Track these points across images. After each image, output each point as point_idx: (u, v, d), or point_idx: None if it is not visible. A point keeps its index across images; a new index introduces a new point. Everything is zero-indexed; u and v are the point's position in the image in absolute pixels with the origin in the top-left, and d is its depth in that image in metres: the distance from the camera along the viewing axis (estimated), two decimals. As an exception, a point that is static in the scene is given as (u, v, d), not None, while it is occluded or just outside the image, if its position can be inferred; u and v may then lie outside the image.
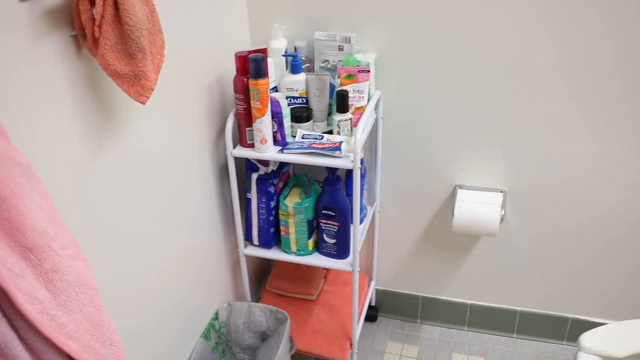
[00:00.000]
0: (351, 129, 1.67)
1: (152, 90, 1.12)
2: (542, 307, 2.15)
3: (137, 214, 1.37)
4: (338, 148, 1.59)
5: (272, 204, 1.79)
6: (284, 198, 1.77)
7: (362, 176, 1.85)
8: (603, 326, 1.62)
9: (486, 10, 1.67)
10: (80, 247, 0.92)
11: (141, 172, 1.36)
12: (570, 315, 2.13)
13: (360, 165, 1.60)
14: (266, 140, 1.64)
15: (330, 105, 1.72)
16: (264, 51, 1.61)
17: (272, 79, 1.70)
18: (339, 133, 1.67)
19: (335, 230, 1.76)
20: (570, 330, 2.15)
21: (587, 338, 1.58)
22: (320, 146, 1.61)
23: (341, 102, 1.64)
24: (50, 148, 1.06)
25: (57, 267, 0.85)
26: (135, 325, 1.40)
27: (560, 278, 2.07)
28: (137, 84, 1.10)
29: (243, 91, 1.60)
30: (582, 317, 2.12)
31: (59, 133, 1.08)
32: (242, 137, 1.68)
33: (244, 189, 1.82)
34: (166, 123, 1.45)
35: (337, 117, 1.65)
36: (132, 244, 1.36)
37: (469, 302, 2.22)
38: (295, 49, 1.78)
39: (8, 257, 0.78)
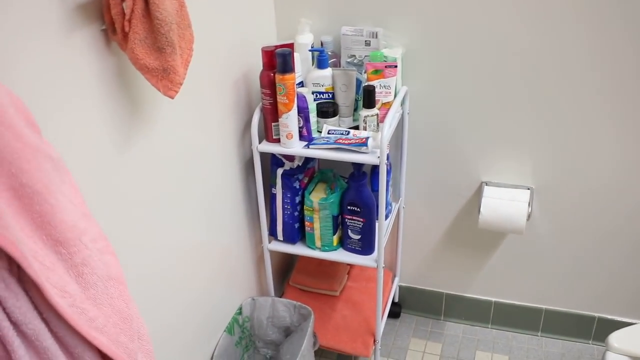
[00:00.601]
0: (377, 125, 1.66)
1: (181, 84, 1.12)
2: (567, 306, 2.13)
3: (163, 208, 1.37)
4: (364, 144, 1.58)
5: (297, 199, 1.78)
6: (309, 193, 1.77)
7: (388, 172, 1.84)
8: (632, 326, 1.59)
9: (515, 4, 1.64)
10: (109, 241, 0.92)
11: (168, 166, 1.37)
12: (596, 314, 2.10)
13: (386, 161, 1.59)
14: (292, 136, 1.63)
15: (356, 100, 1.71)
16: (290, 46, 1.60)
17: (299, 74, 1.69)
18: (365, 129, 1.66)
19: (360, 226, 1.75)
20: (596, 329, 2.12)
21: (616, 338, 1.55)
22: (346, 142, 1.60)
23: (368, 97, 1.63)
24: (80, 142, 1.07)
25: (87, 261, 0.85)
26: (160, 319, 1.41)
27: (586, 276, 2.04)
28: (165, 78, 1.10)
29: (269, 86, 1.59)
30: (609, 316, 2.09)
31: (88, 127, 1.08)
32: (268, 132, 1.68)
33: (269, 184, 1.81)
34: (193, 117, 1.46)
35: (364, 112, 1.64)
36: (157, 238, 1.36)
37: (493, 299, 2.20)
38: (322, 44, 1.77)
39: (40, 251, 0.79)
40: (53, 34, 0.97)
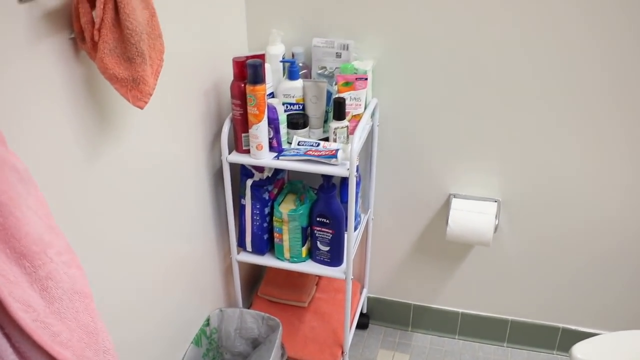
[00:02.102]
0: (347, 137, 1.66)
1: (151, 95, 1.11)
2: (533, 317, 2.15)
3: (131, 219, 1.35)
4: (334, 156, 1.58)
5: (267, 210, 1.78)
6: (279, 205, 1.77)
7: (357, 184, 1.85)
8: (595, 337, 1.62)
9: (482, 20, 1.67)
10: (75, 254, 0.91)
11: (137, 176, 1.35)
12: (561, 325, 2.13)
13: (355, 173, 1.60)
14: (262, 147, 1.63)
15: (327, 112, 1.72)
16: (261, 57, 1.60)
17: (269, 84, 1.69)
18: (335, 140, 1.66)
19: (329, 237, 1.75)
20: (560, 339, 2.16)
21: (579, 349, 1.58)
22: (316, 153, 1.60)
23: (338, 109, 1.63)
24: (47, 152, 1.05)
25: (52, 275, 0.83)
26: (126, 332, 1.39)
27: (551, 288, 2.07)
28: (135, 88, 1.08)
29: (240, 97, 1.59)
30: (573, 327, 2.12)
31: (56, 137, 1.07)
32: (238, 143, 1.67)
33: (238, 195, 1.80)
34: (162, 128, 1.44)
35: (334, 124, 1.65)
36: (125, 248, 1.34)
37: (460, 310, 2.22)
38: (293, 55, 1.77)
39: (3, 264, 0.77)
40: (20, 41, 0.95)
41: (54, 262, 0.84)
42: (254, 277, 2.24)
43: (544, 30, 1.64)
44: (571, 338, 2.10)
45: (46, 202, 0.86)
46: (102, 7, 0.99)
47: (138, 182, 1.36)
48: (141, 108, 1.11)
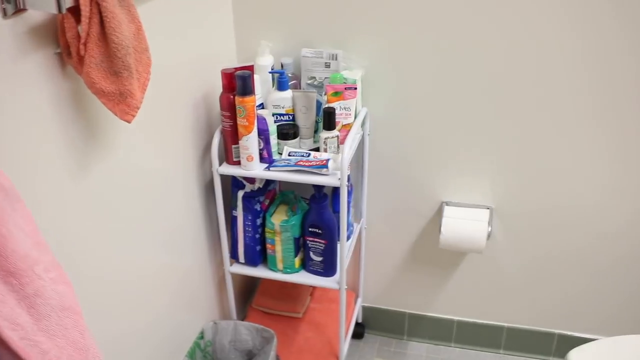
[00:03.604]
0: (338, 147, 1.66)
1: (138, 108, 1.10)
2: (528, 323, 2.15)
3: (121, 233, 1.34)
4: (325, 165, 1.58)
5: (258, 221, 1.77)
6: (270, 216, 1.76)
7: (349, 193, 1.84)
8: (591, 342, 1.62)
9: (471, 28, 1.68)
10: (64, 270, 0.90)
11: (126, 190, 1.34)
12: (557, 331, 2.13)
13: (347, 183, 1.60)
14: (252, 158, 1.62)
15: (317, 122, 1.72)
16: (250, 68, 1.60)
17: (259, 96, 1.69)
18: (325, 150, 1.66)
19: (322, 248, 1.74)
20: (557, 345, 2.15)
21: (575, 355, 1.57)
22: (307, 164, 1.60)
23: (328, 119, 1.63)
24: (33, 168, 1.04)
25: (39, 292, 0.82)
26: (120, 345, 1.38)
27: (546, 294, 2.07)
28: (122, 102, 1.08)
29: (229, 108, 1.59)
30: (569, 333, 2.12)
31: (42, 152, 1.06)
32: (228, 155, 1.67)
33: (229, 207, 1.80)
34: (152, 141, 1.44)
35: (324, 134, 1.65)
36: (117, 263, 1.33)
37: (455, 318, 2.21)
38: (282, 66, 1.77)
39: (-11, 282, 0.76)
40: (4, 57, 0.95)
41: (41, 279, 0.83)
42: (248, 289, 2.23)
43: (536, 36, 1.65)
44: (567, 344, 2.10)
45: (33, 218, 0.86)
46: (87, 21, 0.99)
47: (128, 196, 1.36)
48: (129, 122, 1.10)
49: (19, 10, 0.95)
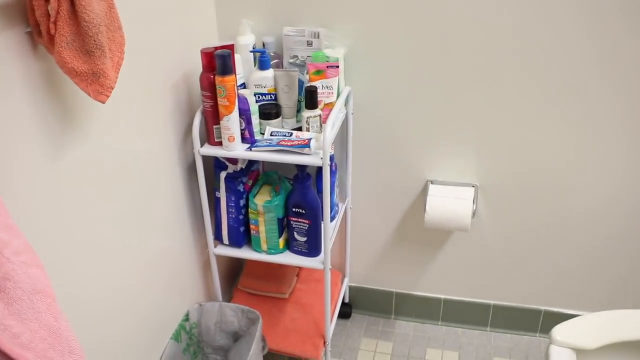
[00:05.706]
0: (320, 126, 1.65)
1: (112, 88, 1.08)
2: (515, 300, 2.16)
3: (102, 216, 1.33)
4: (307, 145, 1.57)
5: (242, 202, 1.76)
6: (254, 196, 1.75)
7: (333, 173, 1.83)
8: (574, 318, 1.62)
9: (453, 7, 1.66)
10: (37, 253, 0.88)
11: (105, 173, 1.33)
12: (542, 308, 2.14)
13: (330, 162, 1.58)
14: (234, 138, 1.61)
15: (299, 101, 1.70)
16: (231, 47, 1.58)
17: (240, 75, 1.67)
18: (308, 130, 1.64)
19: (306, 228, 1.73)
20: (543, 322, 2.16)
21: (559, 331, 1.58)
22: (289, 143, 1.59)
23: (310, 98, 1.62)
24: (5, 150, 1.02)
25: (9, 275, 0.81)
26: (103, 330, 1.37)
27: (532, 271, 2.07)
28: (95, 82, 1.06)
29: (210, 88, 1.57)
30: (555, 309, 2.13)
31: (15, 134, 1.04)
32: (210, 135, 1.65)
33: (212, 188, 1.78)
34: (130, 122, 1.42)
35: (306, 113, 1.63)
36: (97, 247, 1.32)
37: (442, 297, 2.22)
38: (264, 45, 1.75)
39: (-44, 266, 0.75)
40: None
41: (11, 262, 0.82)
42: (233, 270, 2.23)
43: (520, 15, 1.63)
44: (553, 320, 2.10)
45: (2, 200, 0.84)
46: (56, -1, 0.97)
47: (107, 178, 1.34)
48: (103, 102, 1.08)
49: (-16, -13, 0.93)
